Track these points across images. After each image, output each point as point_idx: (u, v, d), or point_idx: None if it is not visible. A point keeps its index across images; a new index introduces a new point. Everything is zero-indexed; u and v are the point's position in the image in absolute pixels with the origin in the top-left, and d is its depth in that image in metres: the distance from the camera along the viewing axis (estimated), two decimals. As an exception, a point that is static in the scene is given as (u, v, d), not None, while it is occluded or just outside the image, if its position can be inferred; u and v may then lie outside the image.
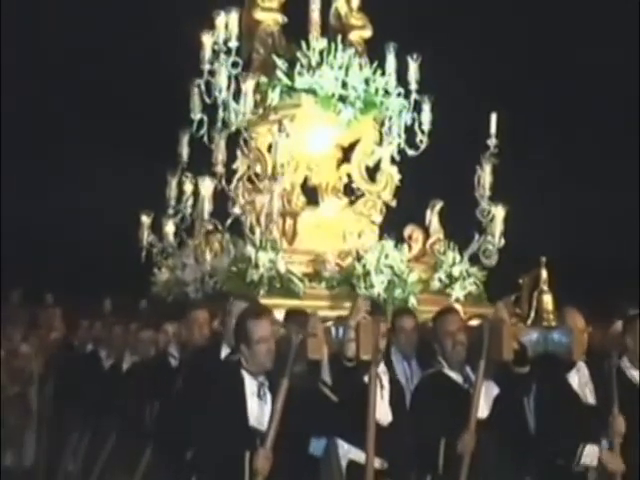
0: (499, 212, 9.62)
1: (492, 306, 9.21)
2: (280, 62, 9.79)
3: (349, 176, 10.25)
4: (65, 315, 11.31)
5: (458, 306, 8.16)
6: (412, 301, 8.82)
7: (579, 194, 14.20)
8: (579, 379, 6.15)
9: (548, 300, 6.86)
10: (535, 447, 5.93)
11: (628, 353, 6.28)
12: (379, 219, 10.12)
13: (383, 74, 10.18)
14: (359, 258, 8.85)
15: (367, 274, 8.67)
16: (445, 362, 5.75)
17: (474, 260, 9.77)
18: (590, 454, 5.78)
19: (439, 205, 10.06)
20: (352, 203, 10.15)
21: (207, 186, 9.40)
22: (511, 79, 14.05)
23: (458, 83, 12.64)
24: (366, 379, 5.33)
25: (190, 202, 10.50)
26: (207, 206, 9.35)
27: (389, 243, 9.17)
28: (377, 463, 5.31)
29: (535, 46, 14.35)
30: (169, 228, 10.67)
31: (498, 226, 9.62)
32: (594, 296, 7.50)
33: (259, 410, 4.94)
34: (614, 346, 6.56)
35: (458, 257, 9.71)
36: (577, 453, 5.75)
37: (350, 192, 10.31)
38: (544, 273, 6.81)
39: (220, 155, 9.52)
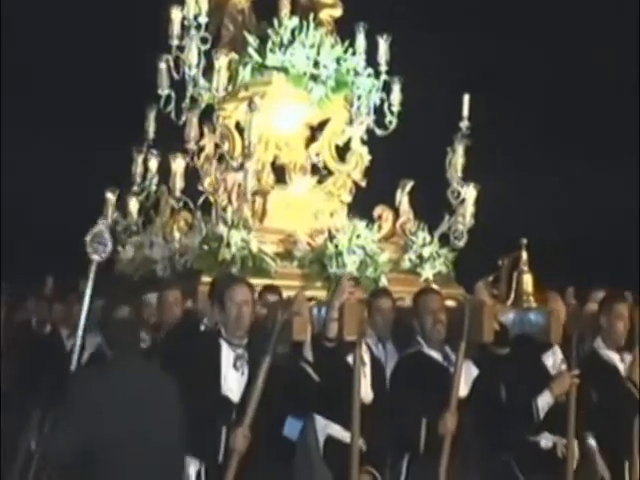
0: (470, 193, 9.64)
1: (462, 287, 9.30)
2: (251, 39, 9.70)
3: (319, 155, 10.20)
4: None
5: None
6: (383, 281, 8.81)
7: (558, 175, 14.30)
8: (554, 361, 6.20)
9: (528, 281, 6.86)
10: (511, 426, 5.96)
11: (602, 333, 6.35)
12: (349, 199, 10.10)
13: (354, 54, 10.13)
14: (331, 238, 8.82)
15: (339, 254, 8.65)
16: (424, 341, 5.72)
17: (444, 241, 9.79)
18: (544, 402, 5.81)
19: (409, 185, 10.05)
20: (321, 182, 10.11)
21: (178, 163, 9.30)
22: (483, 60, 14.06)
23: (429, 64, 12.61)
24: (349, 359, 5.31)
25: (155, 179, 10.38)
26: (179, 183, 9.25)
27: (361, 223, 9.15)
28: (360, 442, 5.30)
29: (508, 26, 14.37)
30: (134, 205, 10.55)
31: (469, 207, 9.65)
32: (573, 277, 7.54)
33: (233, 381, 4.89)
34: (589, 327, 6.62)
35: (428, 237, 9.72)
36: (532, 407, 5.78)
37: (319, 171, 10.27)
38: (524, 254, 6.82)
39: (192, 132, 9.42)
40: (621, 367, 6.30)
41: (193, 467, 4.85)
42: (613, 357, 6.34)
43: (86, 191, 11.56)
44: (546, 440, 5.92)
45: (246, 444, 4.73)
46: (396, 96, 10.31)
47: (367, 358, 5.59)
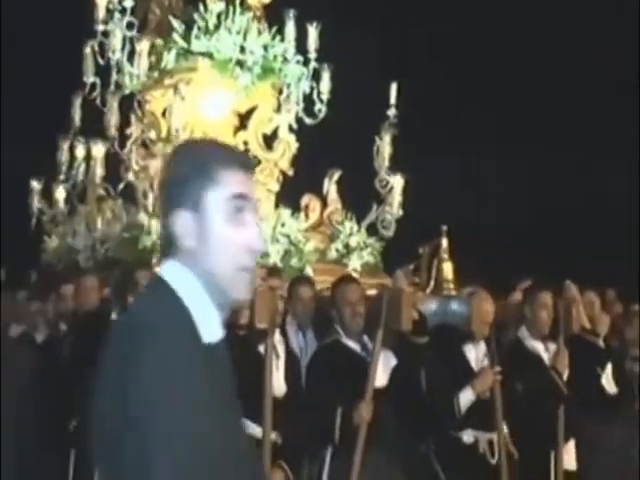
0: (398, 182, 9.55)
1: (389, 277, 9.22)
2: (177, 24, 9.51)
3: (246, 143, 10.03)
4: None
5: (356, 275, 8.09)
6: (308, 271, 8.69)
7: (478, 164, 14.34)
8: (476, 353, 6.13)
9: (448, 269, 6.81)
10: (431, 418, 5.88)
11: (527, 323, 6.30)
12: (276, 187, 9.95)
13: (282, 40, 9.98)
14: (255, 226, 8.66)
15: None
16: (343, 331, 5.62)
17: (372, 230, 9.70)
18: (466, 399, 5.74)
19: (337, 175, 9.94)
20: (248, 171, 9.93)
21: (99, 150, 9.08)
22: (411, 48, 14.04)
23: (358, 52, 12.53)
24: (261, 348, 5.18)
25: (82, 167, 10.16)
26: (99, 171, 9.05)
27: (286, 212, 9.02)
28: (272, 436, 5.17)
29: (435, 15, 14.34)
30: (60, 194, 10.33)
31: (396, 196, 9.56)
32: (493, 265, 7.52)
33: None
34: (513, 317, 6.59)
35: (355, 227, 9.63)
36: (454, 403, 5.70)
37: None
38: (444, 242, 6.76)
39: (113, 118, 9.22)
40: (545, 357, 6.28)
41: None
42: (537, 346, 6.31)
43: (10, 180, 11.31)
44: (468, 436, 5.85)
45: None
46: (325, 84, 10.18)
47: (281, 350, 5.45)
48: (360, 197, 10.00)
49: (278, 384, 5.30)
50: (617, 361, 6.88)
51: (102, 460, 1.94)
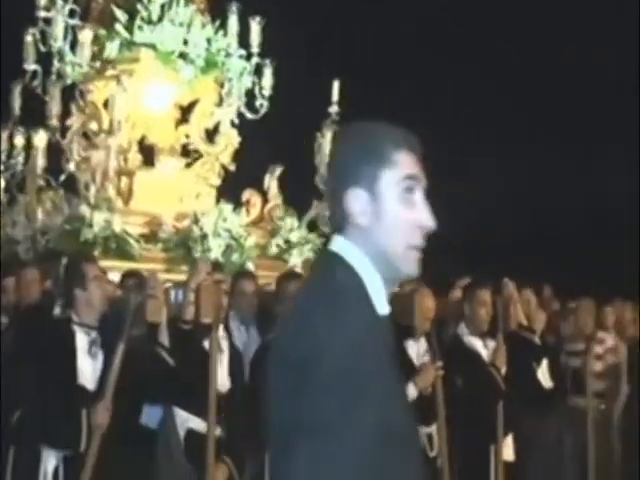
0: (339, 179, 9.58)
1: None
2: (119, 14, 9.42)
3: (187, 136, 10.00)
4: None
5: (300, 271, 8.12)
6: (249, 266, 8.69)
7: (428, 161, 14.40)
8: (417, 349, 6.22)
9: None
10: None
11: (466, 320, 6.41)
12: (217, 182, 9.93)
13: (225, 35, 9.96)
14: (196, 221, 8.64)
15: (204, 237, 8.48)
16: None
17: (312, 227, 9.73)
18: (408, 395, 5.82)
19: (278, 170, 9.94)
20: (189, 165, 9.91)
21: (40, 139, 8.96)
22: (355, 46, 14.08)
23: (301, 49, 12.54)
24: (205, 344, 5.19)
25: (22, 157, 10.00)
26: (40, 161, 8.93)
27: (227, 207, 9.00)
28: (216, 432, 5.18)
29: (380, 12, 14.40)
30: (-1, 184, 10.15)
31: (337, 193, 9.58)
32: (436, 263, 7.57)
33: (88, 368, 4.72)
34: (452, 314, 6.69)
35: (296, 223, 9.64)
36: None
37: (187, 153, 10.06)
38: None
39: (54, 108, 9.10)
40: (484, 353, 6.38)
41: (51, 462, 4.64)
42: (476, 343, 6.41)
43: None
44: None
45: (108, 418, 4.55)
46: (268, 80, 10.18)
47: (225, 345, 5.45)
48: (301, 193, 10.02)
49: (222, 379, 5.29)
50: (552, 357, 7.03)
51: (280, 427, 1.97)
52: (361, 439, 1.85)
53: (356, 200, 1.99)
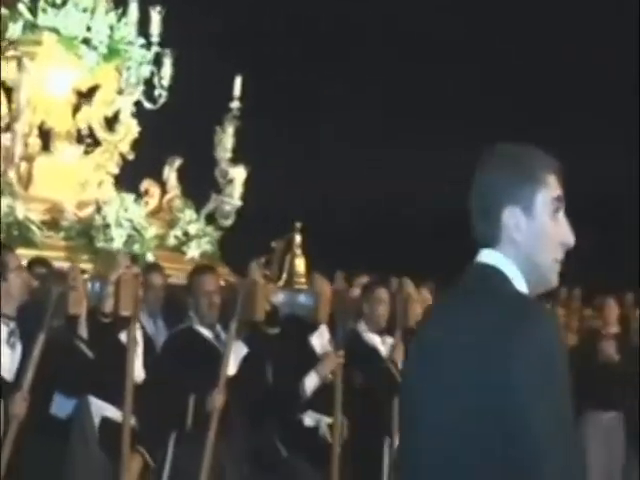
0: (239, 174, 9.67)
1: (227, 267, 9.36)
2: (23, -5, 9.25)
3: (87, 123, 9.88)
4: None
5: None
6: (149, 257, 8.68)
7: (331, 159, 14.53)
8: (321, 342, 6.39)
9: (300, 263, 7.01)
10: (276, 405, 6.09)
11: (365, 318, 6.61)
12: (116, 171, 9.85)
13: (127, 23, 9.88)
14: (99, 210, 8.58)
15: (107, 227, 8.42)
16: (197, 318, 5.71)
17: (210, 219, 9.77)
18: (311, 382, 5.99)
19: (178, 162, 9.94)
20: (88, 152, 9.80)
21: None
22: (258, 42, 14.09)
23: (206, 41, 12.53)
24: (122, 336, 5.22)
25: None
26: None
27: (129, 196, 8.96)
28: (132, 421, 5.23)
29: (284, 9, 14.43)
30: None
31: (237, 187, 9.67)
32: (345, 261, 7.75)
33: (6, 358, 4.70)
34: (352, 311, 6.87)
35: (195, 215, 9.67)
36: (299, 388, 5.95)
37: (85, 141, 9.94)
38: (298, 237, 6.94)
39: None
40: (382, 349, 6.59)
41: None
42: (374, 339, 6.61)
43: None
44: (310, 418, 6.10)
45: (25, 408, 4.55)
46: (167, 70, 10.12)
47: (140, 337, 5.51)
48: (200, 186, 10.05)
49: (137, 370, 5.35)
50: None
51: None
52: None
53: (513, 217, 2.18)
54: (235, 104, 9.86)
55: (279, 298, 6.33)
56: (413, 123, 14.78)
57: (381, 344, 6.64)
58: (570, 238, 2.24)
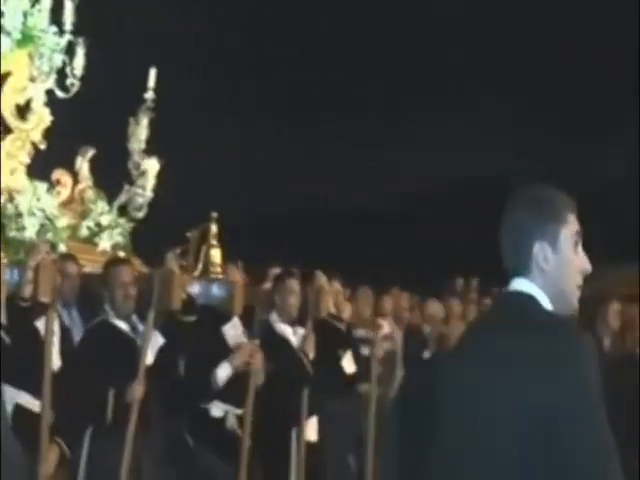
0: (152, 166, 9.70)
1: (139, 258, 9.38)
2: None
3: (-1, 111, 9.76)
4: None
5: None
6: (61, 247, 8.64)
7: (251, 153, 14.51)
8: (235, 332, 6.49)
9: (216, 254, 7.07)
10: (188, 395, 6.16)
11: (277, 309, 6.74)
12: (28, 160, 9.76)
13: (41, 10, 9.80)
14: (11, 199, 8.52)
15: (19, 216, 8.37)
16: (113, 311, 5.72)
17: (122, 211, 9.77)
18: (223, 373, 6.10)
19: (90, 152, 9.91)
20: (-1, 140, 9.69)
21: None
22: (173, 35, 14.06)
23: (119, 31, 12.46)
24: (38, 323, 5.24)
25: None
26: None
27: (42, 185, 8.91)
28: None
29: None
30: None
31: (150, 179, 9.70)
32: (258, 252, 7.82)
33: None
34: (264, 302, 6.99)
35: (107, 207, 9.65)
36: (210, 378, 6.05)
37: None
38: (214, 228, 7.01)
39: None
40: (293, 340, 6.72)
41: None
42: (286, 330, 6.74)
43: None
44: (217, 409, 6.18)
45: None
46: (80, 59, 10.08)
47: (56, 325, 5.51)
48: (112, 177, 10.03)
49: (54, 359, 5.36)
50: (357, 343, 7.49)
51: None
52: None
53: (542, 251, 2.56)
54: (149, 95, 9.89)
55: (195, 288, 6.40)
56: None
57: (292, 334, 6.76)
58: (588, 266, 2.62)
